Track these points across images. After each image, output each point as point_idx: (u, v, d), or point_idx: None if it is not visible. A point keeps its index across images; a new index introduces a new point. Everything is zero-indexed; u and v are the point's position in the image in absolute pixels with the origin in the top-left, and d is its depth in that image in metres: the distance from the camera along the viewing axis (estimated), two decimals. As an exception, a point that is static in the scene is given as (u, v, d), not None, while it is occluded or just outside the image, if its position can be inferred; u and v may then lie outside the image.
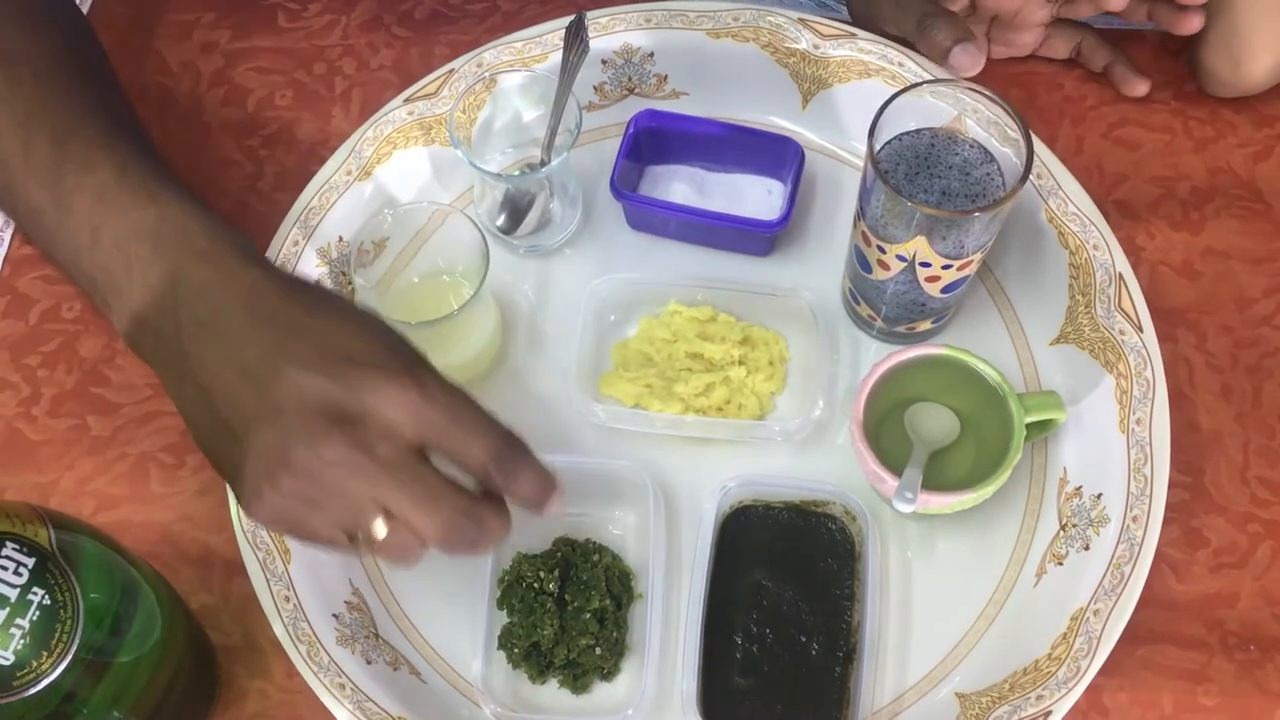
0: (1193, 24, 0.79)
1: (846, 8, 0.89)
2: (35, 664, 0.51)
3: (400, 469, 0.53)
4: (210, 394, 0.54)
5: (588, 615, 0.68)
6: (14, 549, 0.51)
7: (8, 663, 0.50)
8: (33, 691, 0.51)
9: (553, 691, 0.69)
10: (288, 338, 0.54)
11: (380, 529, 0.53)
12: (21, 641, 0.51)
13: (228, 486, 0.69)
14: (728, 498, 0.70)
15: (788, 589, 0.69)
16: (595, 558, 0.70)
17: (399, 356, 0.55)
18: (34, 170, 0.60)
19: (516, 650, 0.68)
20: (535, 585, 0.68)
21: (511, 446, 0.55)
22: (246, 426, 0.53)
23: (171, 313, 0.56)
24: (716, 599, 0.68)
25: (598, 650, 0.68)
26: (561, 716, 0.68)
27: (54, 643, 0.52)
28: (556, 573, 0.69)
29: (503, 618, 0.69)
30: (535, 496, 0.55)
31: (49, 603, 0.52)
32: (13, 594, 0.51)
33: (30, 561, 0.52)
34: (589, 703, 0.68)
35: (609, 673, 0.69)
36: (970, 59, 0.76)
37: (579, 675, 0.68)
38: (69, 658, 0.52)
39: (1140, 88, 0.84)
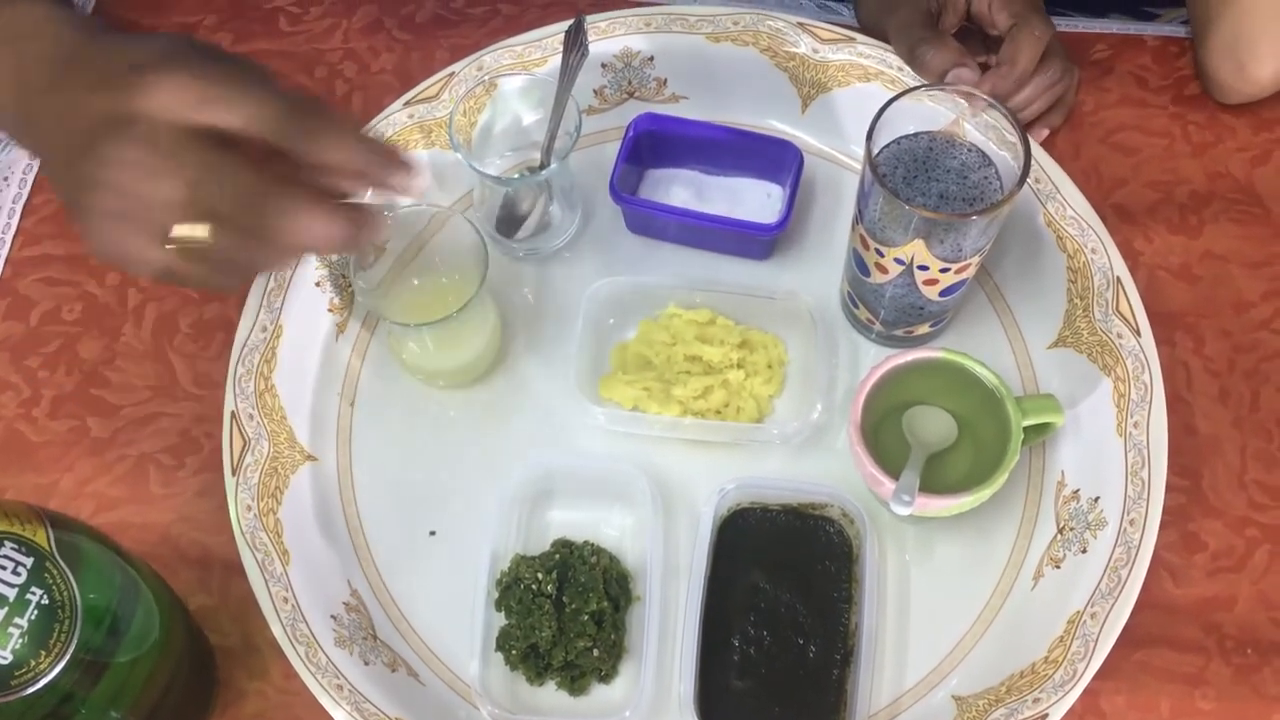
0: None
1: (855, 15, 0.89)
2: (33, 663, 0.51)
3: (186, 151, 0.51)
4: (53, 157, 0.56)
5: (585, 617, 0.68)
6: (13, 548, 0.51)
7: (6, 662, 0.50)
8: (31, 691, 0.51)
9: (550, 693, 0.69)
10: (80, 74, 0.54)
11: (189, 228, 0.52)
12: (20, 641, 0.51)
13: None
14: (726, 500, 0.71)
15: (785, 591, 0.69)
16: (593, 560, 0.70)
17: (177, 53, 0.53)
18: None
19: (514, 652, 0.68)
20: (533, 587, 0.68)
21: (304, 103, 0.53)
22: (66, 168, 0.54)
23: (26, 100, 0.56)
24: (714, 601, 0.68)
25: (595, 652, 0.68)
26: (559, 718, 0.68)
27: (52, 642, 0.52)
28: (554, 574, 0.69)
29: (500, 619, 0.70)
30: (345, 158, 0.54)
31: (47, 602, 0.52)
32: (11, 593, 0.51)
33: (29, 561, 0.52)
34: (587, 704, 0.68)
35: (606, 675, 0.69)
36: (965, 84, 0.76)
37: (577, 677, 0.68)
38: (67, 657, 0.52)
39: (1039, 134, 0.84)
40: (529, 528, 0.72)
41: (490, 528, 0.71)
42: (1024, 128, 0.75)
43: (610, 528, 0.73)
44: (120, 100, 0.52)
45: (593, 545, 0.71)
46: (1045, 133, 0.83)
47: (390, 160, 0.55)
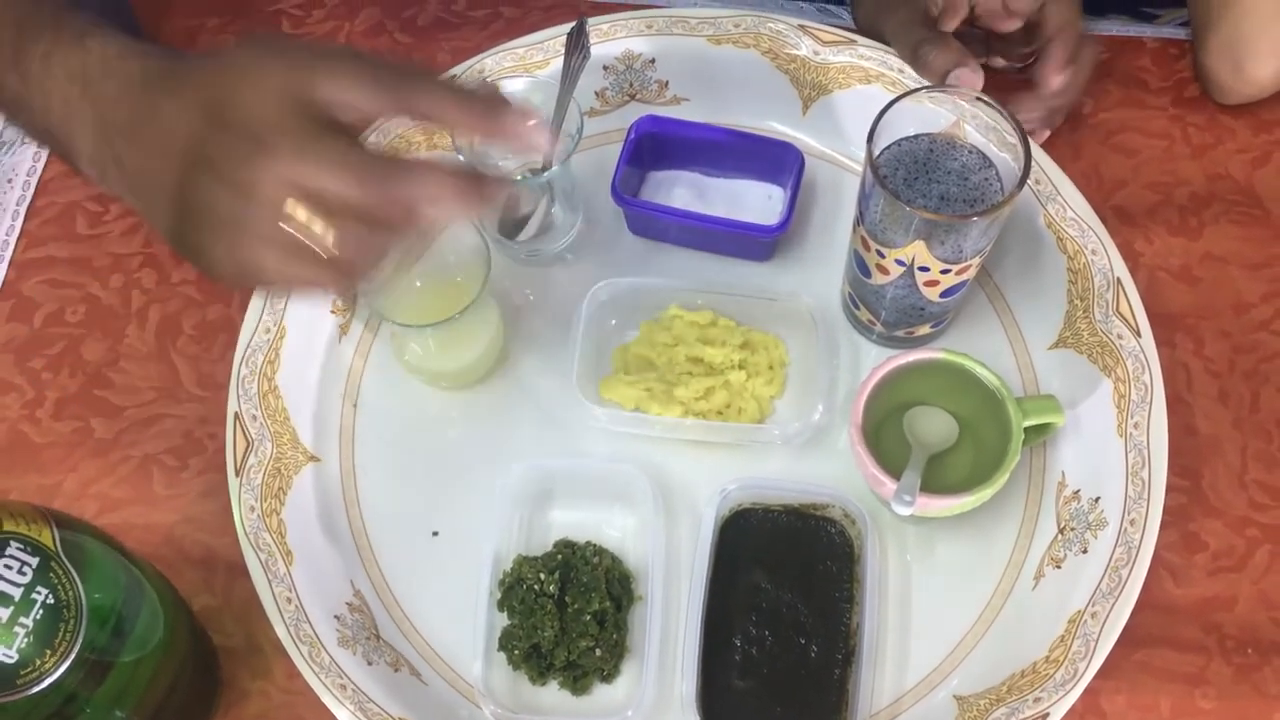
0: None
1: (851, 18, 0.89)
2: (38, 662, 0.51)
3: (289, 141, 0.50)
4: (150, 191, 0.54)
5: (588, 617, 0.68)
6: (18, 548, 0.52)
7: (11, 661, 0.51)
8: (36, 690, 0.51)
9: (553, 693, 0.69)
10: (163, 105, 0.53)
11: (307, 215, 0.50)
12: (25, 640, 0.51)
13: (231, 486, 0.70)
14: (727, 500, 0.71)
15: (787, 591, 0.69)
16: (595, 560, 0.70)
17: (255, 56, 0.52)
18: (5, 60, 0.58)
19: (517, 652, 0.69)
20: (535, 587, 0.69)
21: (399, 65, 0.52)
22: (167, 200, 0.53)
23: (108, 142, 0.55)
24: (716, 601, 0.69)
25: (598, 652, 0.68)
26: (562, 718, 0.68)
27: (57, 642, 0.52)
28: (557, 575, 0.69)
29: (503, 619, 0.70)
30: (458, 112, 0.52)
31: (52, 602, 0.52)
32: (16, 593, 0.51)
33: (34, 561, 0.52)
34: (589, 704, 0.69)
35: (609, 674, 0.69)
36: (967, 85, 0.76)
37: (579, 677, 0.68)
38: (72, 657, 0.52)
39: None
40: (531, 528, 0.73)
41: (492, 528, 0.71)
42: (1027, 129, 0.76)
43: (612, 528, 0.73)
44: (211, 115, 0.51)
45: (595, 545, 0.71)
46: (1047, 133, 0.83)
47: (503, 108, 0.52)
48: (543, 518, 0.73)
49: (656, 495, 0.71)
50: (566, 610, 0.68)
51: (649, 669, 0.67)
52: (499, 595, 0.70)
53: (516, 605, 0.69)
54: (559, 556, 0.70)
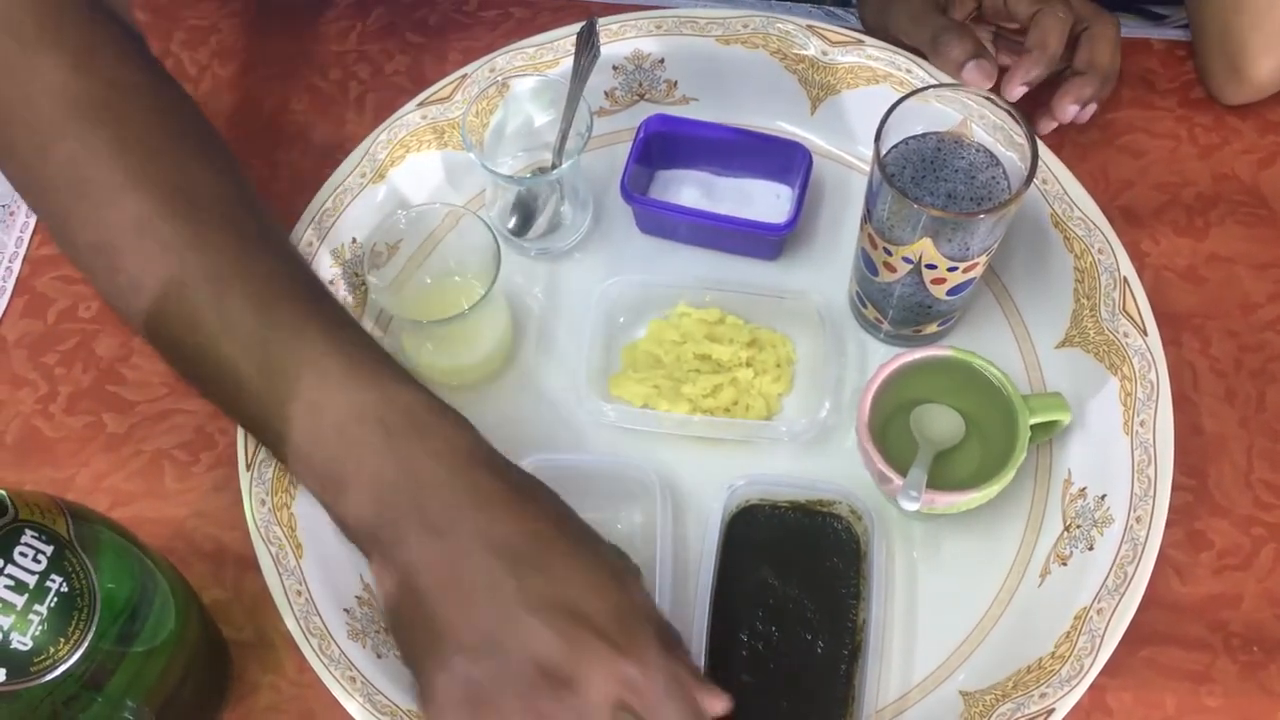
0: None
1: (859, 18, 0.90)
2: (52, 650, 0.52)
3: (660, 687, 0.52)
4: (426, 597, 0.53)
5: None
6: (33, 536, 0.52)
7: (26, 648, 0.51)
8: (49, 678, 0.52)
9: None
10: (521, 571, 0.52)
11: None
12: (39, 628, 0.51)
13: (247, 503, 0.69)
14: (734, 497, 0.71)
15: (794, 587, 0.69)
16: (599, 537, 0.69)
17: (627, 624, 0.53)
18: (232, 332, 0.56)
19: None
20: None
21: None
22: (458, 645, 0.52)
23: (400, 510, 0.54)
24: (723, 597, 0.69)
25: None
26: None
27: (71, 630, 0.52)
28: None
29: None
30: None
31: (66, 590, 0.52)
32: (31, 580, 0.51)
33: (49, 550, 0.52)
34: None
35: None
36: (984, 74, 0.77)
37: None
38: (85, 645, 0.53)
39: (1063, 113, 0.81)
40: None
41: None
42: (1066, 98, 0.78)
43: (621, 525, 0.73)
44: (567, 660, 0.51)
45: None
46: (1075, 109, 0.81)
47: None
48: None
49: (665, 493, 0.71)
50: None
51: (670, 634, 0.66)
52: None
53: None
54: None
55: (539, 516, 0.55)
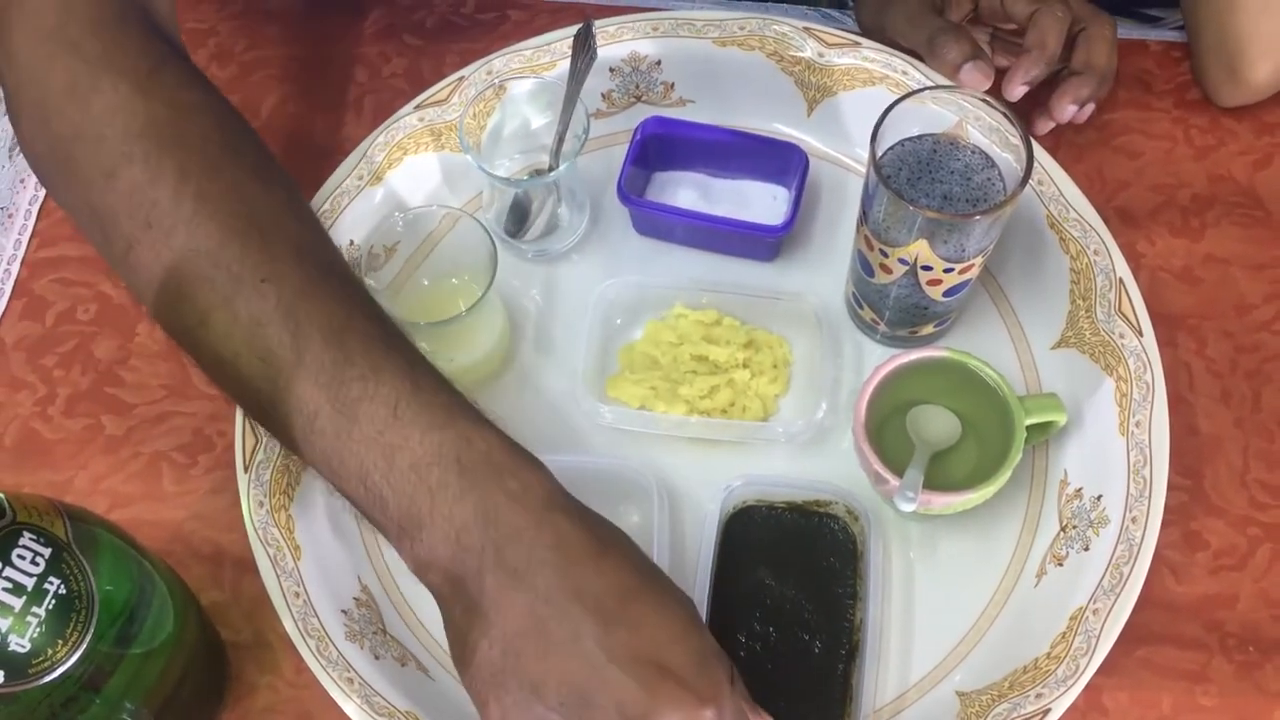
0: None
1: (855, 19, 0.90)
2: (50, 652, 0.52)
3: None
4: (507, 644, 0.53)
5: None
6: (31, 539, 0.52)
7: (24, 650, 0.51)
8: (47, 680, 0.52)
9: None
10: (602, 622, 0.52)
11: None
12: (37, 630, 0.51)
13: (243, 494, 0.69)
14: (731, 498, 0.71)
15: (791, 588, 0.70)
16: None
17: (705, 669, 0.54)
18: (309, 369, 0.55)
19: None
20: None
21: None
22: (539, 693, 0.52)
23: (477, 552, 0.53)
24: (720, 598, 0.69)
25: None
26: None
27: (69, 632, 0.52)
28: None
29: None
30: None
31: (64, 592, 0.52)
32: (29, 582, 0.51)
33: (47, 552, 0.52)
34: None
35: None
36: (981, 75, 0.77)
37: None
38: (83, 648, 0.53)
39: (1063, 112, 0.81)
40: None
41: None
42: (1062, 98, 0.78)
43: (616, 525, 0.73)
44: (648, 712, 0.51)
45: None
46: (1073, 109, 0.81)
47: None
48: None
49: (661, 493, 0.71)
50: None
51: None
52: None
53: None
54: None
55: (619, 567, 0.55)
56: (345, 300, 0.57)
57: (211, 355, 0.58)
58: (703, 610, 0.68)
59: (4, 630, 0.51)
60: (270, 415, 0.57)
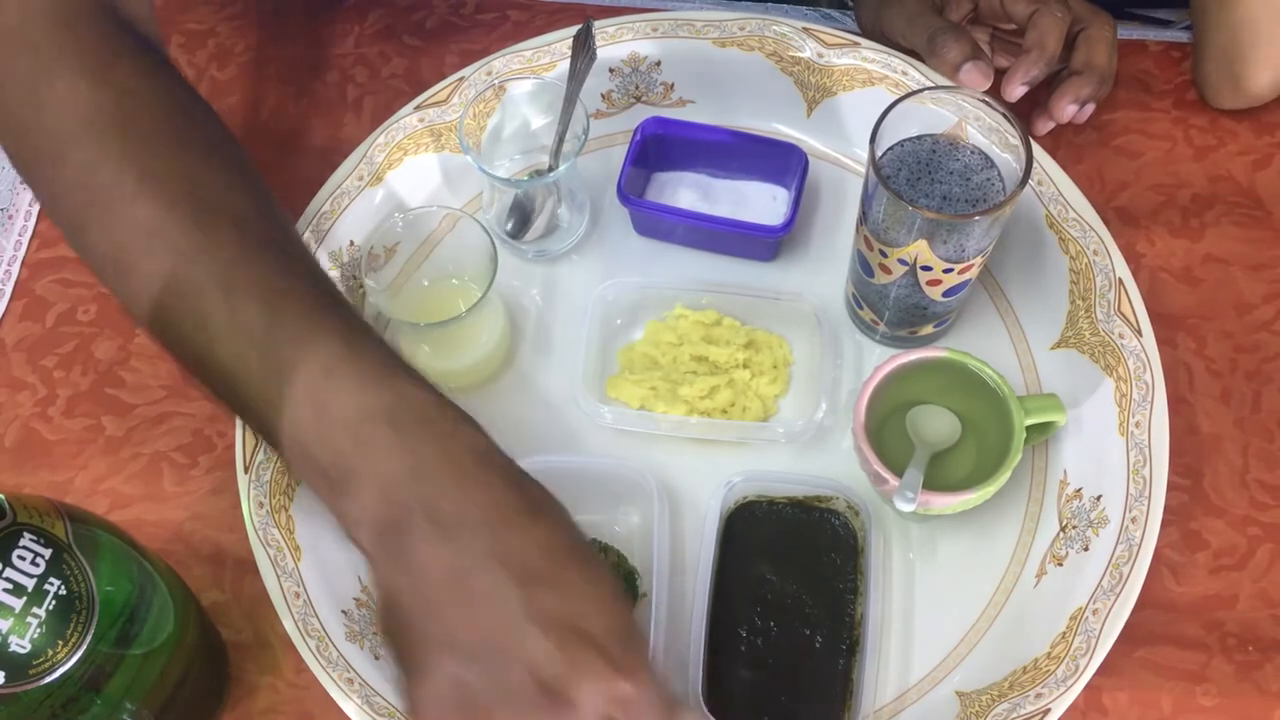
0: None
1: (855, 20, 0.90)
2: (51, 653, 0.52)
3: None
4: (429, 598, 0.53)
5: None
6: (31, 540, 0.52)
7: (24, 651, 0.51)
8: (48, 680, 0.52)
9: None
10: (527, 582, 0.52)
11: None
12: (38, 630, 0.52)
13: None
14: (732, 493, 0.71)
15: (791, 583, 0.70)
16: (600, 557, 0.70)
17: (627, 643, 0.53)
18: (244, 333, 0.56)
19: None
20: None
21: None
22: (456, 648, 0.52)
23: (407, 508, 0.53)
24: (721, 593, 0.69)
25: None
26: None
27: (69, 633, 0.53)
28: None
29: None
30: None
31: (65, 593, 0.53)
32: (30, 583, 0.52)
33: (47, 553, 0.53)
34: None
35: None
36: (980, 76, 0.77)
37: None
38: (83, 648, 0.53)
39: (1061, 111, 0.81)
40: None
41: None
42: (1062, 99, 0.78)
43: (617, 527, 0.73)
44: (567, 676, 0.51)
45: (599, 542, 0.72)
46: (1074, 108, 0.81)
47: None
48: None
49: (661, 494, 0.71)
50: None
51: (655, 663, 0.67)
52: None
53: None
54: None
55: (550, 531, 0.55)
56: (284, 270, 0.59)
57: (154, 322, 0.59)
58: (704, 605, 0.68)
59: (4, 631, 0.51)
60: (210, 380, 0.58)
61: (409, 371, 0.57)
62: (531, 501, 0.55)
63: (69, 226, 0.62)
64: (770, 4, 0.95)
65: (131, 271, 0.59)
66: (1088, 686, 0.65)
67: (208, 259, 0.57)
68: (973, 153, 0.69)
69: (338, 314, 0.58)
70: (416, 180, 0.82)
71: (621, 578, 0.71)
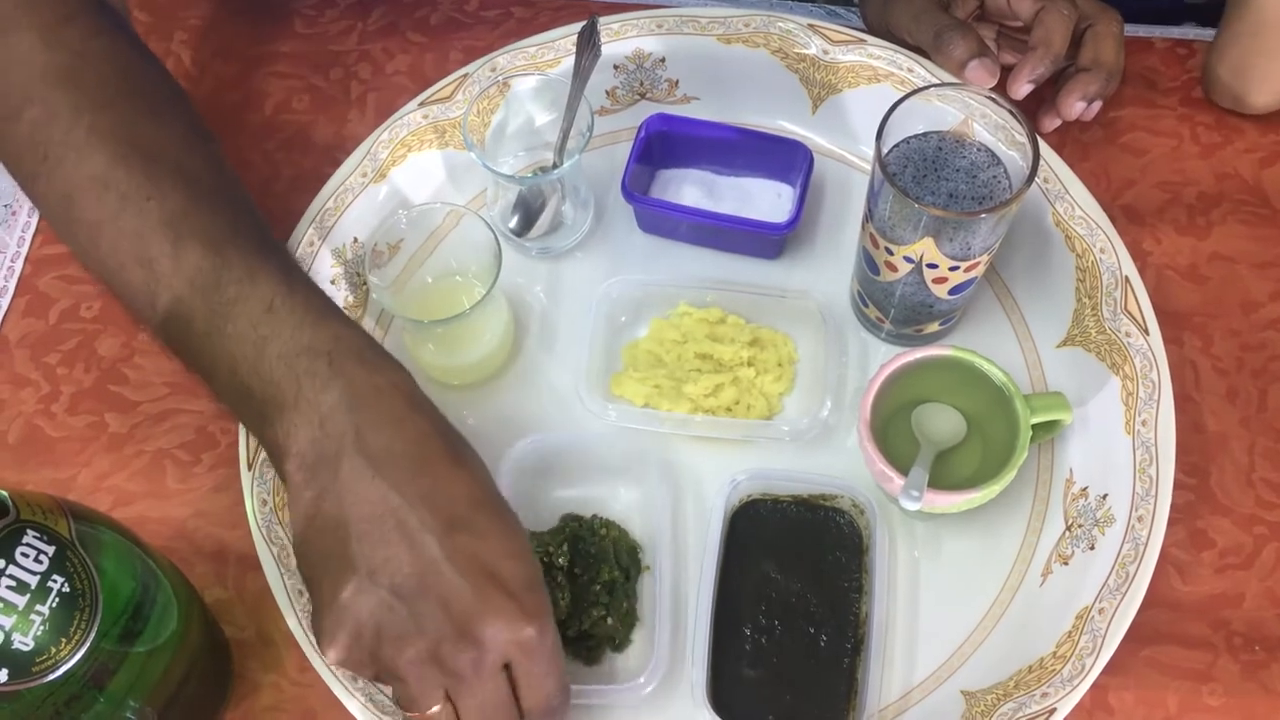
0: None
1: (860, 17, 0.90)
2: (54, 650, 0.52)
3: (482, 687, 0.56)
4: (351, 527, 0.56)
5: (598, 587, 0.68)
6: (35, 537, 0.52)
7: (27, 648, 0.51)
8: (51, 678, 0.52)
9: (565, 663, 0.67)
10: (447, 523, 0.56)
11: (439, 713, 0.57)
12: (41, 628, 0.51)
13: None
14: (737, 491, 0.71)
15: (796, 581, 0.70)
16: (603, 531, 0.71)
17: (534, 590, 0.57)
18: (186, 273, 0.59)
19: None
20: (545, 560, 0.68)
21: (564, 704, 0.60)
22: (373, 576, 0.55)
23: (338, 438, 0.56)
24: (726, 591, 0.69)
25: (609, 620, 0.68)
26: (574, 685, 0.64)
27: (72, 630, 0.52)
28: (565, 547, 0.69)
29: None
30: None
31: (68, 590, 0.52)
32: (33, 581, 0.52)
33: (51, 550, 0.52)
34: (600, 673, 0.69)
35: (620, 643, 0.69)
36: (986, 73, 0.77)
37: (591, 647, 0.69)
38: (86, 646, 0.53)
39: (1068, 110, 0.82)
40: (536, 505, 0.72)
41: None
42: (1071, 95, 0.78)
43: (617, 502, 0.73)
44: (477, 616, 0.55)
45: (601, 518, 0.72)
46: (1081, 105, 0.81)
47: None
48: (547, 494, 0.73)
49: (660, 466, 0.71)
50: (577, 581, 0.68)
51: (662, 635, 0.67)
52: None
53: None
54: (566, 530, 0.70)
55: (471, 479, 0.58)
56: (227, 218, 0.62)
57: (102, 267, 0.62)
58: (708, 603, 0.68)
59: (8, 628, 0.51)
60: (153, 319, 0.61)
61: (344, 316, 0.60)
62: (456, 449, 0.58)
63: (22, 178, 0.65)
64: (775, 0, 0.95)
65: (81, 219, 0.62)
66: (1094, 686, 0.65)
67: (155, 205, 0.60)
68: (979, 150, 0.69)
69: (277, 259, 0.61)
70: (420, 177, 0.82)
71: (625, 551, 0.71)
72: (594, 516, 0.72)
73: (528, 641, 0.56)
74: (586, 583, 0.68)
